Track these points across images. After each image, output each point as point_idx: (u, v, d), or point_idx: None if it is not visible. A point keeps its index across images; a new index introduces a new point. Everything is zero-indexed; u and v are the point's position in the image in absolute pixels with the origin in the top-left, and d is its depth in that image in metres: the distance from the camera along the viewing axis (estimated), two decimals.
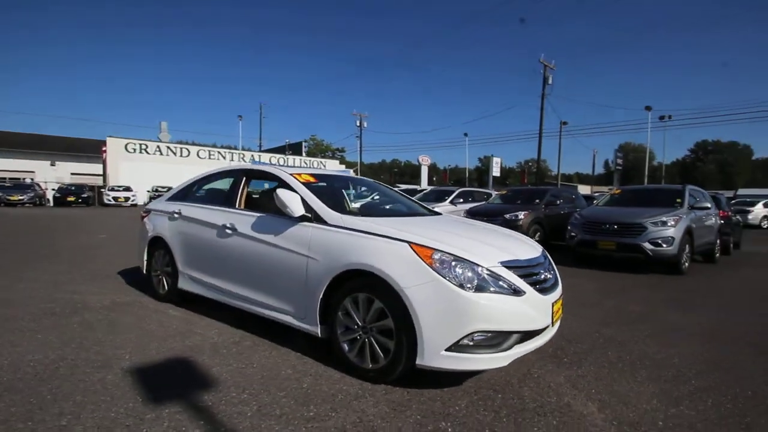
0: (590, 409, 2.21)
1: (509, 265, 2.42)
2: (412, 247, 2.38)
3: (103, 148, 30.24)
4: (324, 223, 2.81)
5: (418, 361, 2.25)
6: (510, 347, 2.27)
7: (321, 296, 2.66)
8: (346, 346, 2.59)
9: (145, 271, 4.44)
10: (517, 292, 2.32)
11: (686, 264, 6.60)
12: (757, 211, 17.69)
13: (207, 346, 2.98)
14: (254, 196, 3.91)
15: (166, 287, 4.11)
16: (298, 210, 2.86)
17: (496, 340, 2.25)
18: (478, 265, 2.30)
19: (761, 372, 2.78)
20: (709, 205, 7.26)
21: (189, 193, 4.25)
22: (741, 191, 28.94)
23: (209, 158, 34.44)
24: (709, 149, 79.82)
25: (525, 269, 2.51)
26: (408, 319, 2.26)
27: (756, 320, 4.06)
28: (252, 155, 35.67)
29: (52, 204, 25.28)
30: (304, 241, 2.80)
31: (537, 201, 9.28)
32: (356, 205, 3.74)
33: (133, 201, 24.95)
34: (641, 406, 2.26)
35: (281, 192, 2.94)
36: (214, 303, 3.59)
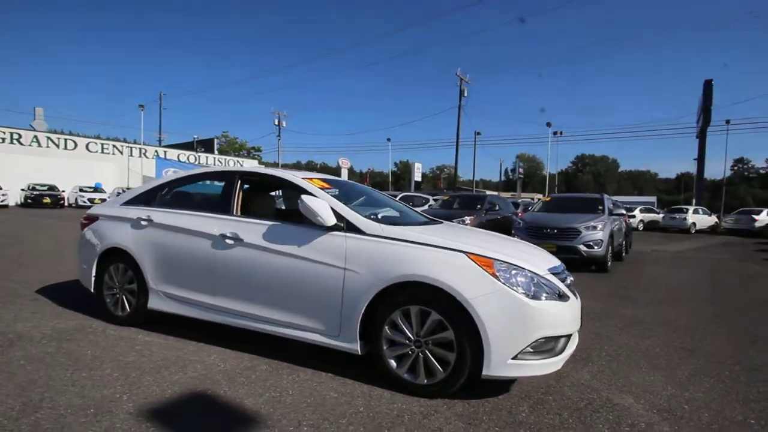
0: (629, 401, 2.43)
1: (553, 272, 2.55)
2: (470, 257, 2.37)
3: None
4: (360, 232, 2.64)
5: (484, 372, 2.25)
6: (561, 351, 2.39)
7: (363, 311, 2.50)
8: (393, 363, 2.47)
9: (93, 289, 3.69)
10: (562, 297, 2.45)
11: (609, 263, 7.64)
12: (637, 216, 21.22)
13: (218, 376, 2.59)
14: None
15: (128, 308, 3.48)
16: (330, 219, 2.66)
17: (551, 344, 2.35)
18: (535, 273, 2.39)
19: (727, 354, 3.34)
20: (623, 212, 8.51)
21: (156, 196, 3.66)
22: (614, 198, 34.55)
23: (102, 152, 30.03)
24: (587, 162, 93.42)
25: (560, 275, 2.66)
26: (473, 330, 2.25)
27: (692, 309, 4.86)
28: (156, 151, 31.96)
29: None
30: (339, 253, 2.61)
31: (478, 206, 9.91)
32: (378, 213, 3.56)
33: (2, 201, 20.54)
34: (662, 393, 2.56)
35: (308, 199, 2.70)
36: (188, 323, 3.14)
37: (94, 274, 3.66)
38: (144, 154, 31.03)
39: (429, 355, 2.38)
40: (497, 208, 10.10)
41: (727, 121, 29.33)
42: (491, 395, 2.42)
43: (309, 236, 2.74)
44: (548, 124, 35.98)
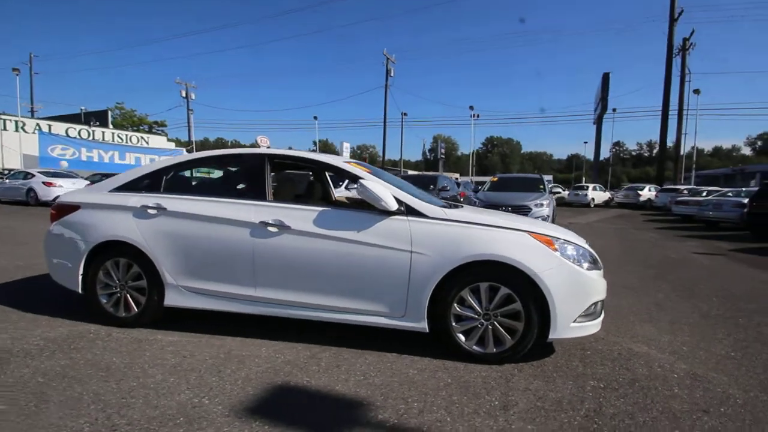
0: (644, 349, 2.93)
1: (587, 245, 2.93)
2: (532, 236, 2.61)
3: None
4: (421, 215, 2.72)
5: (551, 336, 2.54)
6: (600, 313, 2.79)
7: (431, 291, 2.61)
8: (462, 336, 2.64)
9: (81, 290, 3.21)
10: (598, 266, 2.83)
11: None
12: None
13: (286, 367, 2.53)
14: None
15: (135, 308, 3.12)
16: (393, 204, 2.69)
17: (596, 308, 2.72)
18: (582, 247, 2.72)
19: (684, 305, 4.12)
20: (560, 190, 9.63)
21: (160, 181, 3.26)
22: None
23: None
24: (495, 143, 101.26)
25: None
26: (541, 301, 2.51)
27: (635, 272, 5.80)
28: (38, 124, 26.82)
29: None
30: (404, 236, 2.67)
31: (432, 187, 10.34)
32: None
33: None
34: (662, 339, 3.12)
35: (369, 184, 2.69)
36: (198, 318, 2.98)
37: (81, 272, 3.18)
38: (22, 128, 25.83)
39: (498, 326, 2.60)
40: (448, 188, 10.66)
41: (614, 110, 34.19)
42: (541, 357, 2.74)
43: (368, 221, 2.74)
44: (471, 107, 38.10)
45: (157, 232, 3.04)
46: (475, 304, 2.61)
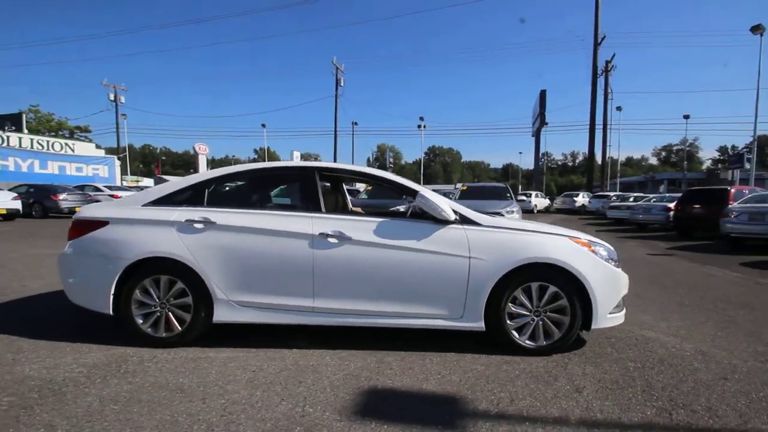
0: (654, 334, 3.42)
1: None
2: (573, 241, 2.98)
3: None
4: (474, 224, 2.97)
5: (593, 326, 2.89)
6: (624, 306, 3.21)
7: (489, 293, 2.87)
8: (515, 333, 2.92)
9: (113, 312, 3.02)
10: (619, 264, 3.27)
11: None
12: None
13: (363, 373, 2.63)
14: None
15: (179, 326, 3.01)
16: (452, 214, 2.92)
17: (623, 301, 3.13)
18: (609, 248, 3.14)
19: (662, 296, 4.77)
20: (524, 198, 10.44)
21: (202, 195, 3.19)
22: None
23: None
24: (437, 153, 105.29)
25: None
26: (585, 297, 2.87)
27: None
28: None
29: None
30: (462, 243, 2.90)
31: (404, 196, 10.68)
32: None
33: None
34: (662, 325, 3.65)
35: (431, 195, 2.90)
36: (235, 332, 3.03)
37: (113, 292, 3.00)
38: None
39: (547, 321, 2.92)
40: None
41: (546, 123, 37.36)
42: (576, 347, 3.10)
43: (427, 230, 2.93)
44: (421, 119, 39.37)
45: (205, 247, 2.97)
46: (526, 303, 2.91)
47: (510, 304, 2.90)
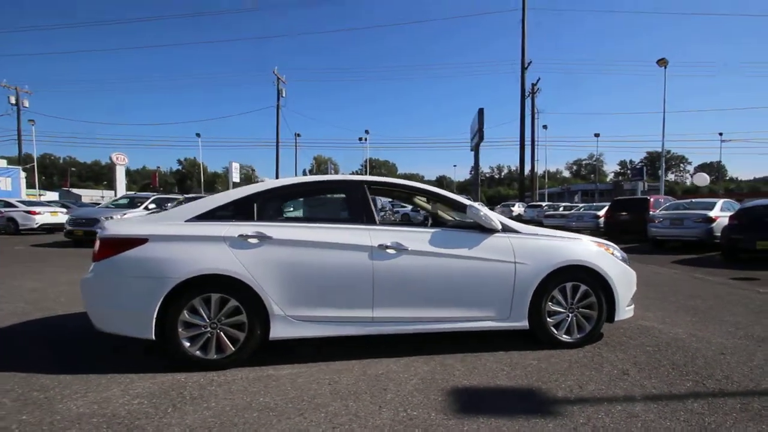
0: (653, 324, 3.98)
1: None
2: (596, 244, 3.42)
3: None
4: (517, 232, 3.28)
5: (616, 318, 3.33)
6: (632, 301, 3.70)
7: (532, 293, 3.19)
8: (554, 329, 3.26)
9: (154, 336, 2.82)
10: (628, 263, 3.77)
11: None
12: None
13: (438, 376, 2.77)
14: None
15: (232, 346, 2.90)
16: (498, 224, 3.20)
17: (634, 296, 3.62)
18: (619, 249, 3.63)
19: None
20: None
21: (251, 209, 3.13)
22: None
23: None
24: (373, 165, 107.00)
25: None
26: (609, 294, 3.30)
27: None
28: None
29: None
30: (507, 250, 3.19)
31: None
32: None
33: None
34: (655, 315, 4.26)
35: (480, 208, 3.17)
36: (276, 345, 3.01)
37: (156, 315, 2.81)
38: None
39: (579, 316, 3.30)
40: (386, 207, 11.33)
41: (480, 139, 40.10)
42: (599, 339, 3.53)
43: (476, 239, 3.18)
44: (366, 132, 39.91)
45: (262, 262, 2.91)
46: (562, 301, 3.27)
47: (550, 303, 3.24)
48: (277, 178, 36.61)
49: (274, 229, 3.00)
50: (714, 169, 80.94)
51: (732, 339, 3.52)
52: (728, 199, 11.40)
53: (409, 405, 2.36)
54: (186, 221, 3.02)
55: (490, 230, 3.21)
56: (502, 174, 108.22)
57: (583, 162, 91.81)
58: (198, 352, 2.86)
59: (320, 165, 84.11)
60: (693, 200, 11.56)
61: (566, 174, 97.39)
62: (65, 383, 2.66)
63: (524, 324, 3.20)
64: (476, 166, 31.29)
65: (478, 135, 29.67)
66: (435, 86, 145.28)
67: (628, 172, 75.16)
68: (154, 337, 2.82)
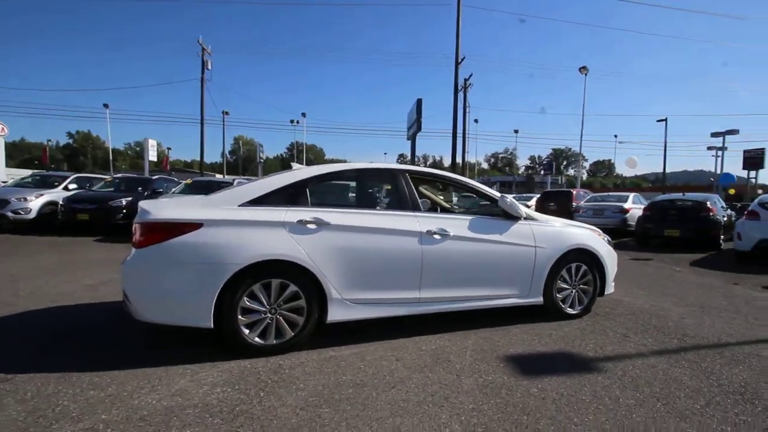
0: (640, 303, 4.77)
1: None
2: (591, 231, 4.03)
3: None
4: (536, 220, 3.75)
5: (606, 292, 4.00)
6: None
7: (548, 273, 3.69)
8: (561, 303, 3.82)
9: (213, 324, 2.76)
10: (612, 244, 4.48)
11: None
12: None
13: (486, 348, 3.11)
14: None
15: (291, 331, 2.95)
16: (523, 212, 3.63)
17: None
18: (605, 234, 4.30)
19: (629, 279, 6.40)
20: None
21: (304, 194, 3.16)
22: None
23: None
24: (300, 149, 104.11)
25: None
26: (602, 272, 3.95)
27: None
28: None
29: None
30: (529, 235, 3.64)
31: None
32: None
33: None
34: (639, 293, 5.07)
35: (509, 199, 3.56)
36: (356, 324, 3.21)
37: (215, 302, 2.74)
38: None
39: (580, 292, 3.90)
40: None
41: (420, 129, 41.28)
42: (595, 313, 4.19)
43: (506, 225, 3.58)
44: (303, 114, 38.54)
45: (320, 247, 2.97)
46: (568, 279, 3.84)
47: (559, 281, 3.78)
48: (201, 157, 33.92)
49: (331, 215, 3.07)
50: (605, 166, 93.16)
51: (682, 307, 4.43)
52: (637, 194, 13.54)
53: (480, 372, 2.67)
54: (239, 206, 2.94)
55: (515, 218, 3.63)
56: (428, 163, 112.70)
57: (500, 155, 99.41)
58: (257, 339, 2.85)
59: (246, 146, 79.38)
60: (609, 194, 13.54)
61: (485, 166, 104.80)
62: (119, 380, 2.49)
63: (540, 300, 3.70)
64: (413, 156, 32.28)
65: (416, 125, 30.54)
66: (366, 74, 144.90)
67: (537, 166, 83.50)
68: (212, 326, 2.74)
